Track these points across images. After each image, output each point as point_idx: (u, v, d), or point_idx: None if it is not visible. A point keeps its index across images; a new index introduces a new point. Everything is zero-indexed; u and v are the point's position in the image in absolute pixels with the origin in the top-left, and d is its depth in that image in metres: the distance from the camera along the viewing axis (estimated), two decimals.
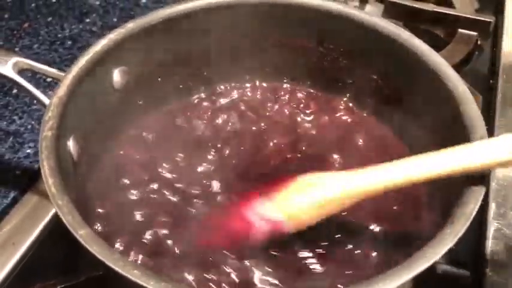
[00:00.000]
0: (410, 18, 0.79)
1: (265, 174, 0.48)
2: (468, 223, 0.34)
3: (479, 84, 0.72)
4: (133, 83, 0.51)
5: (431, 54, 0.46)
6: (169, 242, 0.43)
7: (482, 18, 0.76)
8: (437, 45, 0.75)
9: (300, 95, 0.56)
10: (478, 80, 0.74)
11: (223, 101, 0.55)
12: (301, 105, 0.55)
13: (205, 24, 0.52)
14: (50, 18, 0.81)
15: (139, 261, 0.42)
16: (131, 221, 0.45)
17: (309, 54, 0.55)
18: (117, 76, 0.49)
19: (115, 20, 0.81)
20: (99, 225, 0.44)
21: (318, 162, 0.49)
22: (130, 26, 0.49)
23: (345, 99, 0.55)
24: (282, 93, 0.56)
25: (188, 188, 0.47)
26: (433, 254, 0.32)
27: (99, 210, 0.46)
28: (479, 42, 0.78)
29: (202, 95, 0.56)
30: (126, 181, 0.48)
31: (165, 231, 0.43)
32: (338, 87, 0.55)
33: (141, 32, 0.49)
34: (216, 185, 0.47)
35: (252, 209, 0.41)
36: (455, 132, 0.41)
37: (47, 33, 0.78)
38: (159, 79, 0.53)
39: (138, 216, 0.45)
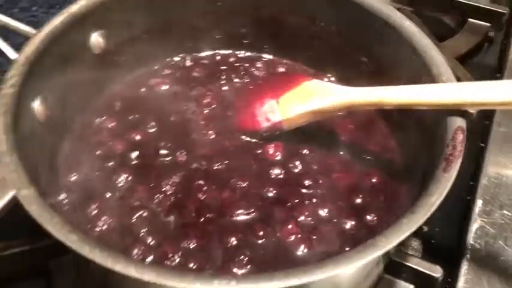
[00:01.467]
0: (419, 4, 0.76)
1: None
2: (428, 214, 0.32)
3: (486, 77, 0.69)
4: (112, 48, 0.49)
5: (418, 34, 0.44)
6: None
7: (496, 9, 0.72)
8: (445, 34, 0.73)
9: (281, 69, 0.56)
10: (485, 73, 0.71)
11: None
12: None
13: None
14: None
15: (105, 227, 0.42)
16: (104, 187, 0.44)
17: (299, 30, 0.53)
18: (95, 40, 0.48)
19: None
20: (70, 191, 0.44)
21: None
22: None
23: (329, 75, 0.54)
24: (260, 64, 0.56)
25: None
26: (385, 243, 0.30)
27: (72, 178, 0.45)
28: (490, 34, 0.74)
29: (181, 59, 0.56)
30: (99, 150, 0.47)
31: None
32: (323, 64, 0.53)
33: None
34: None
35: (259, 110, 0.48)
36: None
37: None
38: (136, 45, 0.51)
39: (111, 182, 0.45)
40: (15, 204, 0.50)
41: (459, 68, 0.63)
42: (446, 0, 0.74)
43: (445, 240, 0.52)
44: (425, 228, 0.53)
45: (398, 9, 0.74)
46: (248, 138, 0.49)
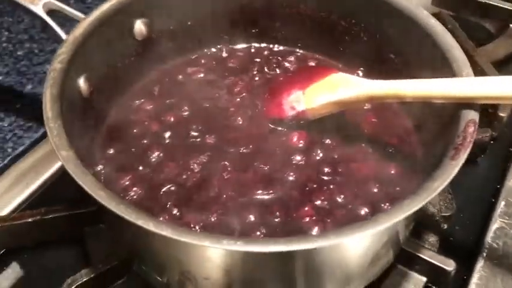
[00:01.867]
0: (460, 9, 0.76)
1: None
2: (429, 198, 0.33)
3: None
4: (154, 36, 0.53)
5: (441, 32, 0.45)
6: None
7: None
8: (485, 39, 0.73)
9: (312, 63, 0.59)
10: None
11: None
12: None
13: None
14: None
15: (136, 196, 0.45)
16: (137, 161, 0.48)
17: (329, 27, 0.55)
18: (138, 27, 0.52)
19: None
20: (107, 163, 0.48)
21: None
22: None
23: (357, 70, 0.56)
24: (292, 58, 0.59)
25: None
26: (385, 220, 0.32)
27: (110, 151, 0.49)
28: None
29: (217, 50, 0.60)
30: (135, 129, 0.51)
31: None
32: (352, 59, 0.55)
33: None
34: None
35: (286, 99, 0.51)
36: None
37: None
38: (176, 35, 0.55)
39: (144, 158, 0.49)
40: (60, 174, 0.56)
41: (493, 71, 0.63)
42: (486, 5, 0.74)
43: (464, 239, 0.53)
44: (445, 226, 0.54)
45: (438, 12, 0.76)
46: (274, 127, 0.52)
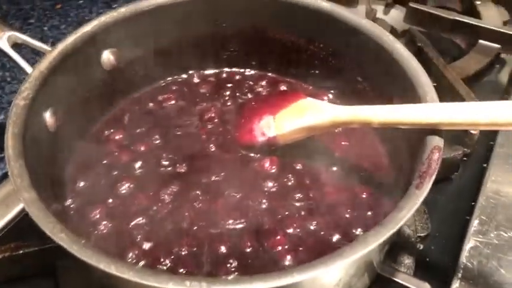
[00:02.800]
0: (431, 25, 0.77)
1: None
2: (396, 229, 0.33)
3: (494, 98, 0.69)
4: (122, 65, 0.53)
5: (407, 56, 0.45)
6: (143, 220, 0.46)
7: (507, 31, 0.73)
8: (456, 54, 0.74)
9: (283, 87, 0.58)
10: (494, 94, 0.71)
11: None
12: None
13: (194, 15, 0.53)
14: (81, 1, 0.86)
15: (105, 230, 0.45)
16: (107, 194, 0.48)
17: (298, 51, 0.55)
18: (106, 57, 0.52)
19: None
20: (76, 197, 0.47)
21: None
22: (123, 10, 0.51)
23: (327, 93, 0.57)
24: (264, 82, 0.59)
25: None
26: (349, 253, 0.32)
27: (79, 185, 0.49)
28: (502, 56, 0.75)
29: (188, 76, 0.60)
30: (105, 160, 0.51)
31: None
32: (322, 83, 0.55)
33: (133, 17, 0.51)
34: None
35: (257, 125, 0.51)
36: None
37: (76, 15, 0.83)
38: (146, 63, 0.55)
39: (114, 190, 0.48)
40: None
41: (463, 87, 0.64)
42: (456, 22, 0.75)
43: (440, 259, 0.53)
44: (421, 246, 0.54)
45: (408, 29, 0.77)
46: (245, 153, 0.52)
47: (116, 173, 0.49)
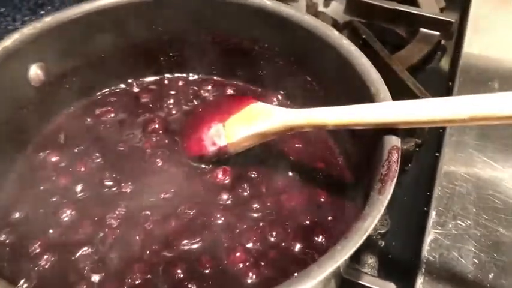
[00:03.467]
0: (371, 16, 0.76)
1: None
2: (361, 240, 0.31)
3: (439, 85, 0.70)
4: (53, 79, 0.48)
5: (355, 53, 0.44)
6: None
7: (444, 18, 0.73)
8: (398, 44, 0.74)
9: (230, 90, 0.56)
10: (438, 81, 0.71)
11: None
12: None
13: (127, 21, 0.49)
14: (2, 9, 0.79)
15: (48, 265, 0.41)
16: (47, 223, 0.43)
17: (243, 52, 0.53)
18: (34, 73, 0.47)
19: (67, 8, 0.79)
20: (12, 230, 0.43)
21: None
22: (48, 20, 0.47)
23: (277, 94, 0.55)
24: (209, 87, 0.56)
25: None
26: (317, 273, 0.30)
27: (14, 217, 0.44)
28: (442, 42, 0.75)
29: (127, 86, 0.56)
30: (42, 186, 0.46)
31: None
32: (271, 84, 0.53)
33: (60, 26, 0.47)
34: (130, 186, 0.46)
35: (206, 134, 0.48)
36: None
37: None
38: (79, 75, 0.50)
39: (55, 218, 0.44)
40: None
41: (410, 78, 0.63)
42: (396, 11, 0.75)
43: (402, 255, 0.52)
44: (382, 243, 0.53)
45: (350, 21, 0.76)
46: (196, 164, 0.49)
47: (55, 199, 0.45)
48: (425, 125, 0.44)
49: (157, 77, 0.57)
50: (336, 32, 0.46)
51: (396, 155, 0.36)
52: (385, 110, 0.38)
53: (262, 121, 0.45)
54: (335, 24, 0.78)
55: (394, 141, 0.37)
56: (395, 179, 0.35)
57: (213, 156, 0.48)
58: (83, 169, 0.48)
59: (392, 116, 0.38)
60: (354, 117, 0.39)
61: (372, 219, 0.32)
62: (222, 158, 0.48)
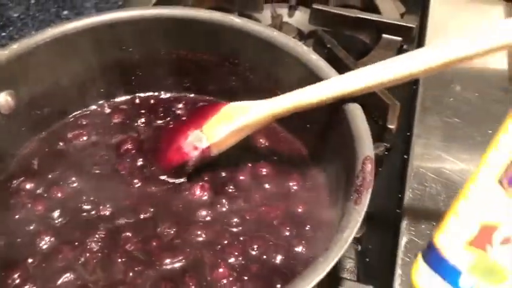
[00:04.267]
0: (335, 25, 0.78)
1: None
2: (342, 251, 0.32)
3: (402, 90, 0.72)
4: (23, 105, 0.48)
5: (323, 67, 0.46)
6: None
7: (405, 24, 0.76)
8: (363, 51, 0.76)
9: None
10: (402, 85, 0.73)
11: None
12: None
13: (97, 42, 0.50)
14: None
15: None
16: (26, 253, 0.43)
17: (213, 68, 0.54)
18: (3, 100, 0.47)
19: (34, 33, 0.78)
20: None
21: None
22: (15, 47, 0.46)
23: None
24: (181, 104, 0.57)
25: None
26: (302, 286, 0.30)
27: None
28: (404, 47, 0.78)
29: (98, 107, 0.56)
30: (18, 215, 0.46)
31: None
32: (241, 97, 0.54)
33: (29, 52, 0.47)
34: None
35: (184, 143, 0.49)
36: None
37: None
38: (49, 99, 0.50)
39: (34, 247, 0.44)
40: None
41: None
42: (358, 19, 0.77)
43: (379, 258, 0.54)
44: (359, 247, 0.54)
45: (315, 31, 0.78)
46: (175, 181, 0.49)
47: (32, 227, 0.45)
48: (380, 86, 0.47)
49: (129, 97, 0.57)
50: (304, 48, 0.47)
51: (370, 165, 0.37)
52: (340, 82, 0.43)
53: (240, 116, 0.46)
54: (300, 34, 0.80)
55: (367, 151, 0.39)
56: (371, 189, 0.36)
57: (196, 162, 0.48)
58: (59, 194, 0.47)
59: (350, 85, 0.42)
60: (315, 95, 0.43)
61: (351, 230, 0.33)
62: (205, 162, 0.49)
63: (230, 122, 0.47)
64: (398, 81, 0.43)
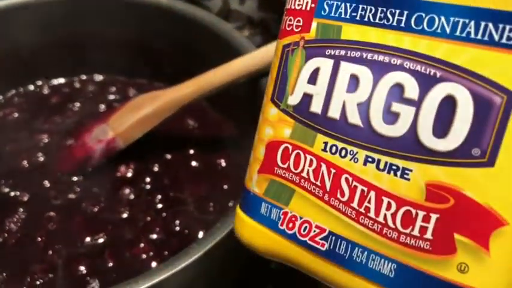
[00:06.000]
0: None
1: None
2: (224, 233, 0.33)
3: None
4: None
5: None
6: None
7: None
8: None
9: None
10: None
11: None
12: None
13: (37, 20, 0.50)
14: None
15: None
16: None
17: (148, 51, 0.54)
18: None
19: None
20: None
21: None
22: None
23: None
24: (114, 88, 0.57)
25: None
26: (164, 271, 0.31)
27: None
28: None
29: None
30: None
31: None
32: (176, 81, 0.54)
33: None
34: None
35: (89, 138, 0.48)
36: None
37: None
38: None
39: None
40: None
41: None
42: None
43: None
44: None
45: (265, 18, 0.78)
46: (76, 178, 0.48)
47: None
48: None
49: (67, 79, 0.57)
50: (229, 25, 0.47)
51: None
52: (261, 55, 0.43)
53: (147, 106, 0.46)
54: (250, 21, 0.80)
55: None
56: None
57: (102, 154, 0.48)
58: None
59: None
60: (235, 71, 0.44)
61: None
62: (112, 154, 0.48)
63: (136, 112, 0.47)
64: None
